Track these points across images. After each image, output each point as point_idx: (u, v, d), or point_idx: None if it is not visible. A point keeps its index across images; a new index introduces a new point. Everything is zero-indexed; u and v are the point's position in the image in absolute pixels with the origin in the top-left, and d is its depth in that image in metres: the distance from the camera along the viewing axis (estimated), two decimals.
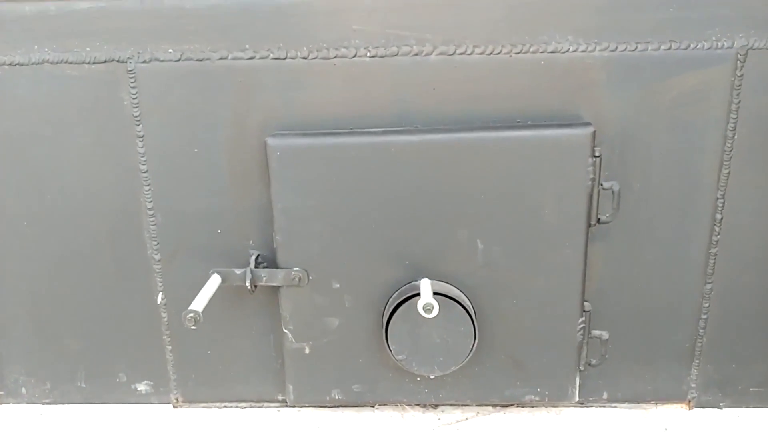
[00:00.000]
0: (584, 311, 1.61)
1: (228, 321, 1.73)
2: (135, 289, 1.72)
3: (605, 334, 1.68)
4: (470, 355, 1.57)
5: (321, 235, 1.55)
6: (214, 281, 1.58)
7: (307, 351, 1.65)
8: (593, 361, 1.70)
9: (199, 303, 1.45)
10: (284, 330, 1.64)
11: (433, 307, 1.43)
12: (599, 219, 1.55)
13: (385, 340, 1.57)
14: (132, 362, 1.79)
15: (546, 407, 1.77)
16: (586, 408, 1.77)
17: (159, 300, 1.71)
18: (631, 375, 1.73)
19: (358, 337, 1.63)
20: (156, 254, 1.67)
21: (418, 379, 1.66)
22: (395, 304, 1.55)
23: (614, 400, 1.76)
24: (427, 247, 1.55)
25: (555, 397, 1.67)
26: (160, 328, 1.75)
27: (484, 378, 1.66)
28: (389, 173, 1.50)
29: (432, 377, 1.62)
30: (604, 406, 1.76)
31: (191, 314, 1.40)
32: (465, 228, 1.53)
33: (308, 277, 1.58)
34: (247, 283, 1.59)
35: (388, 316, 1.56)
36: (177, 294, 1.70)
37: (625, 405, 1.76)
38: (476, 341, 1.56)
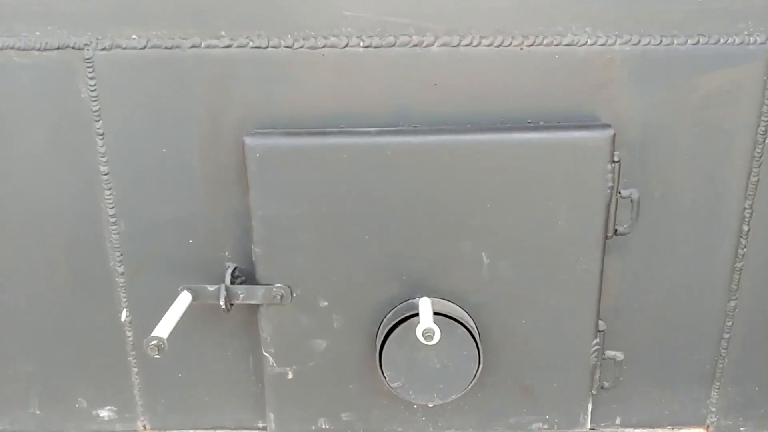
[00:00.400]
0: (599, 331, 1.54)
1: (201, 340, 1.64)
2: (96, 305, 1.63)
3: (620, 355, 1.63)
4: (474, 381, 1.50)
5: (306, 247, 1.47)
6: (183, 300, 1.48)
7: (290, 376, 1.58)
8: (606, 384, 1.65)
9: (164, 328, 1.33)
10: (264, 353, 1.56)
11: (434, 333, 1.35)
12: (617, 230, 1.49)
13: (378, 366, 1.50)
14: (93, 386, 1.70)
15: None
16: None
17: (123, 317, 1.63)
18: (646, 398, 1.69)
19: (348, 362, 1.56)
20: (119, 266, 1.59)
21: (415, 406, 1.58)
22: (391, 325, 1.47)
23: (628, 425, 1.72)
24: (427, 261, 1.48)
25: (565, 424, 1.63)
26: (125, 348, 1.66)
27: (488, 405, 1.60)
28: (385, 178, 1.43)
29: (431, 405, 1.54)
30: None
31: (154, 341, 1.29)
32: (469, 240, 1.46)
33: (292, 294, 1.50)
34: (221, 302, 1.49)
35: (382, 338, 1.48)
36: (143, 310, 1.61)
37: (640, 430, 1.72)
38: (480, 366, 1.49)
